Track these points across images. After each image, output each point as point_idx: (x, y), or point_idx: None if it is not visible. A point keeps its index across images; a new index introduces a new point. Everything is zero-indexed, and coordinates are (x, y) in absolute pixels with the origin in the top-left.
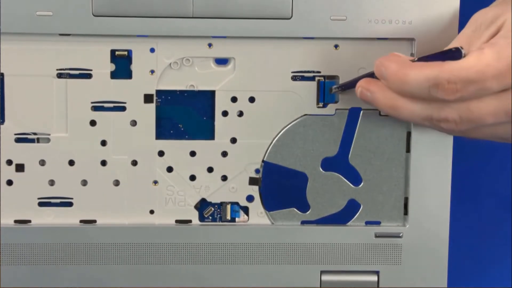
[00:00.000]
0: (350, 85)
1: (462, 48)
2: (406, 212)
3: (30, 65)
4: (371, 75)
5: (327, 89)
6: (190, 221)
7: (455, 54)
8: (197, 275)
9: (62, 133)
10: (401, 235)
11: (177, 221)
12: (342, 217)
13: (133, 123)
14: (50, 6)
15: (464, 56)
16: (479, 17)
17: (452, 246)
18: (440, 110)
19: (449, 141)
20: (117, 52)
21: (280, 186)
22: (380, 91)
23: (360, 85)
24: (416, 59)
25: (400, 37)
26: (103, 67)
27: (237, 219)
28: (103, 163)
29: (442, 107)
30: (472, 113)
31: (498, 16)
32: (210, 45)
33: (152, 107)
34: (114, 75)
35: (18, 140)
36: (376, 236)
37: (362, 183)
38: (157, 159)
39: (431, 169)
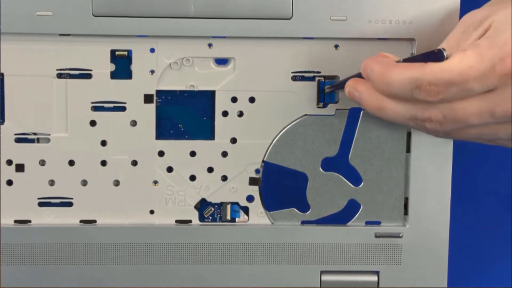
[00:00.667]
0: (341, 85)
1: (444, 49)
2: (406, 212)
3: (30, 65)
4: (360, 75)
5: (322, 90)
6: (190, 221)
7: (438, 56)
8: (197, 275)
9: (62, 133)
10: (401, 235)
11: (177, 221)
12: (342, 217)
13: (133, 123)
14: (50, 6)
15: (447, 58)
16: (468, 18)
17: (452, 246)
18: (424, 110)
19: (449, 141)
20: (117, 52)
21: (280, 186)
22: (367, 91)
23: (349, 85)
24: (401, 60)
25: (400, 37)
26: (103, 67)
27: (237, 219)
28: (103, 163)
29: (426, 107)
30: (456, 113)
31: (486, 18)
32: (210, 45)
33: (152, 107)
34: (114, 75)
35: (18, 140)
36: (376, 236)
37: (362, 183)
38: (157, 159)
39: (431, 169)
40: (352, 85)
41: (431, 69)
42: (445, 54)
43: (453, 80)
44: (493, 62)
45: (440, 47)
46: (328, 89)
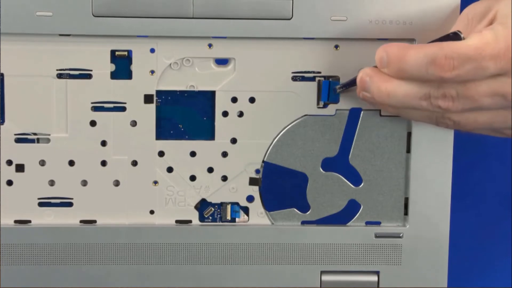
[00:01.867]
0: (352, 82)
1: (460, 32)
2: (406, 212)
3: (30, 65)
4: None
5: (327, 89)
6: (190, 221)
7: (454, 38)
8: (197, 275)
9: (62, 133)
10: (401, 235)
11: (177, 221)
12: (342, 217)
13: (133, 123)
14: (50, 6)
15: (463, 39)
16: (470, 11)
17: (452, 246)
18: (438, 87)
19: (449, 141)
20: (117, 53)
21: (280, 187)
22: (378, 75)
23: (362, 70)
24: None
25: (400, 38)
26: (103, 67)
27: (237, 219)
28: (103, 163)
29: (440, 85)
30: (469, 90)
31: (489, 10)
32: (210, 45)
33: (152, 107)
34: (114, 75)
35: (18, 140)
36: (376, 236)
37: (362, 184)
38: (157, 159)
39: (431, 169)
40: (365, 70)
41: (448, 45)
42: (461, 36)
43: (469, 55)
44: (508, 43)
45: None
46: (339, 89)
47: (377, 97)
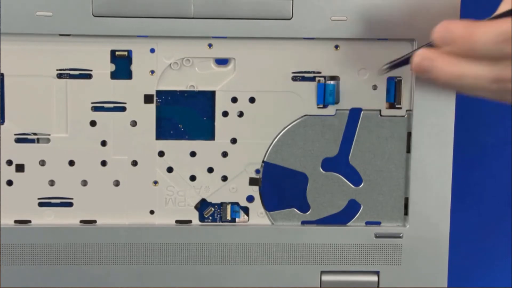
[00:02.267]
0: (402, 63)
1: None
2: (406, 212)
3: (30, 65)
4: (429, 45)
5: (327, 90)
6: (190, 221)
7: None
8: (197, 275)
9: (62, 133)
10: (401, 235)
11: (177, 221)
12: (342, 218)
13: (133, 123)
14: (50, 6)
15: None
16: None
17: (452, 246)
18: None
19: (449, 141)
20: (117, 52)
21: (280, 187)
22: (441, 58)
23: (419, 54)
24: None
25: (400, 38)
26: (103, 67)
27: (237, 219)
28: (103, 163)
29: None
30: None
31: None
32: (210, 45)
33: (152, 107)
34: (114, 75)
35: (18, 140)
36: (376, 236)
37: (362, 184)
38: (157, 159)
39: (431, 169)
40: (422, 54)
41: None
42: None
43: None
44: None
45: (498, 12)
46: (385, 70)
47: (443, 81)
